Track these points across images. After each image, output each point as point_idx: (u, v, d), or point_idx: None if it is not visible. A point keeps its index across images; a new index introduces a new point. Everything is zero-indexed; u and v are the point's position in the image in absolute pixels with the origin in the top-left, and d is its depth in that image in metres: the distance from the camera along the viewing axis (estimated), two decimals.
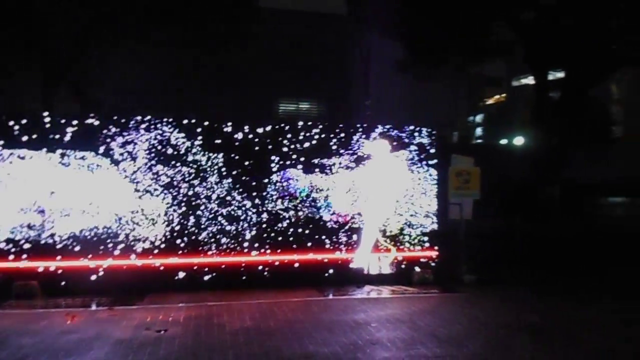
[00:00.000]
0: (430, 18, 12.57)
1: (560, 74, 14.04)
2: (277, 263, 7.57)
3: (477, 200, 8.52)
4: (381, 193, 7.95)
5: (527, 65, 13.32)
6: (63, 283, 6.93)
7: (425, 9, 12.55)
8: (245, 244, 7.48)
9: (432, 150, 8.25)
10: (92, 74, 12.60)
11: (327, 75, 24.49)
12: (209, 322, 5.62)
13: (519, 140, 29.13)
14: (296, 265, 7.63)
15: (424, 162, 8.17)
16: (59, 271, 6.94)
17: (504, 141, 32.49)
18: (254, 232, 7.49)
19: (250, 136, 7.55)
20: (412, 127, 8.20)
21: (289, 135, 7.65)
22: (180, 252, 7.28)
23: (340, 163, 7.79)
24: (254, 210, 7.50)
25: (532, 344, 4.88)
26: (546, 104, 12.69)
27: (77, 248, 6.98)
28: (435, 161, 8.26)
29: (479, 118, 47.55)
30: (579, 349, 4.82)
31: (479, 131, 43.38)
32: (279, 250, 7.58)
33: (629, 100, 33.77)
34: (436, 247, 8.16)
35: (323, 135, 7.77)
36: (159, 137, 7.24)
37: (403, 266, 8.00)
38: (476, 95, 45.95)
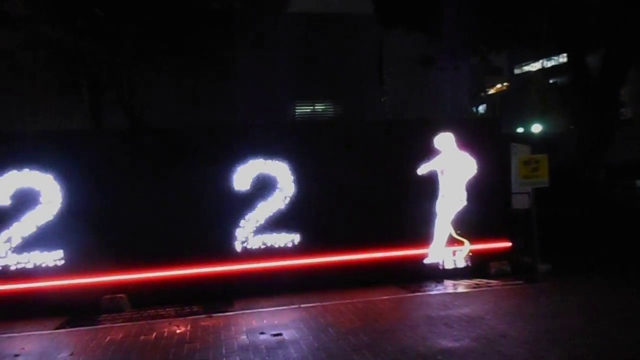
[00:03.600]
0: (464, 9, 12.58)
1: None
2: (352, 262, 7.55)
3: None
4: (452, 186, 7.95)
5: (562, 47, 13.31)
6: (149, 294, 6.91)
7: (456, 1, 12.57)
8: (324, 245, 7.47)
9: (496, 140, 8.28)
10: (134, 90, 12.58)
11: (341, 75, 24.47)
12: (318, 323, 5.61)
13: (536, 128, 29.14)
14: (371, 263, 7.61)
15: (489, 152, 8.17)
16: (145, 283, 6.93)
17: (519, 129, 32.50)
18: (334, 231, 7.49)
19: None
20: (476, 118, 8.22)
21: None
22: (259, 256, 7.27)
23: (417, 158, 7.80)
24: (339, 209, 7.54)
25: None
26: (585, 86, 12.62)
27: (164, 257, 6.97)
28: (499, 151, 8.28)
29: (481, 108, 47.58)
30: None
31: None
32: (355, 249, 7.57)
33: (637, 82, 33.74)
34: (509, 238, 8.16)
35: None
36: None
37: (478, 259, 8.00)
38: (482, 84, 45.92)
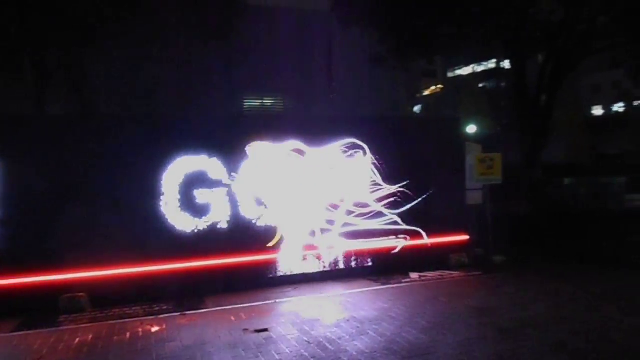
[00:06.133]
0: (418, 12, 13.01)
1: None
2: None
3: None
4: (417, 180, 8.21)
5: (508, 54, 14.17)
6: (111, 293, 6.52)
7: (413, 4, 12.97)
8: None
9: (458, 139, 8.69)
10: (80, 73, 11.74)
11: (289, 69, 24.42)
12: (299, 317, 5.59)
13: (471, 129, 30.70)
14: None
15: (451, 150, 8.54)
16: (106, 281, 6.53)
17: None
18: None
19: None
20: (439, 116, 8.58)
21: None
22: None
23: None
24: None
25: (621, 309, 5.49)
26: (525, 91, 13.48)
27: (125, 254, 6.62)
28: (459, 149, 8.68)
29: (417, 108, 49.50)
30: None
31: None
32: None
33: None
34: (467, 232, 8.59)
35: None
36: None
37: (438, 252, 8.33)
38: (418, 86, 47.76)
